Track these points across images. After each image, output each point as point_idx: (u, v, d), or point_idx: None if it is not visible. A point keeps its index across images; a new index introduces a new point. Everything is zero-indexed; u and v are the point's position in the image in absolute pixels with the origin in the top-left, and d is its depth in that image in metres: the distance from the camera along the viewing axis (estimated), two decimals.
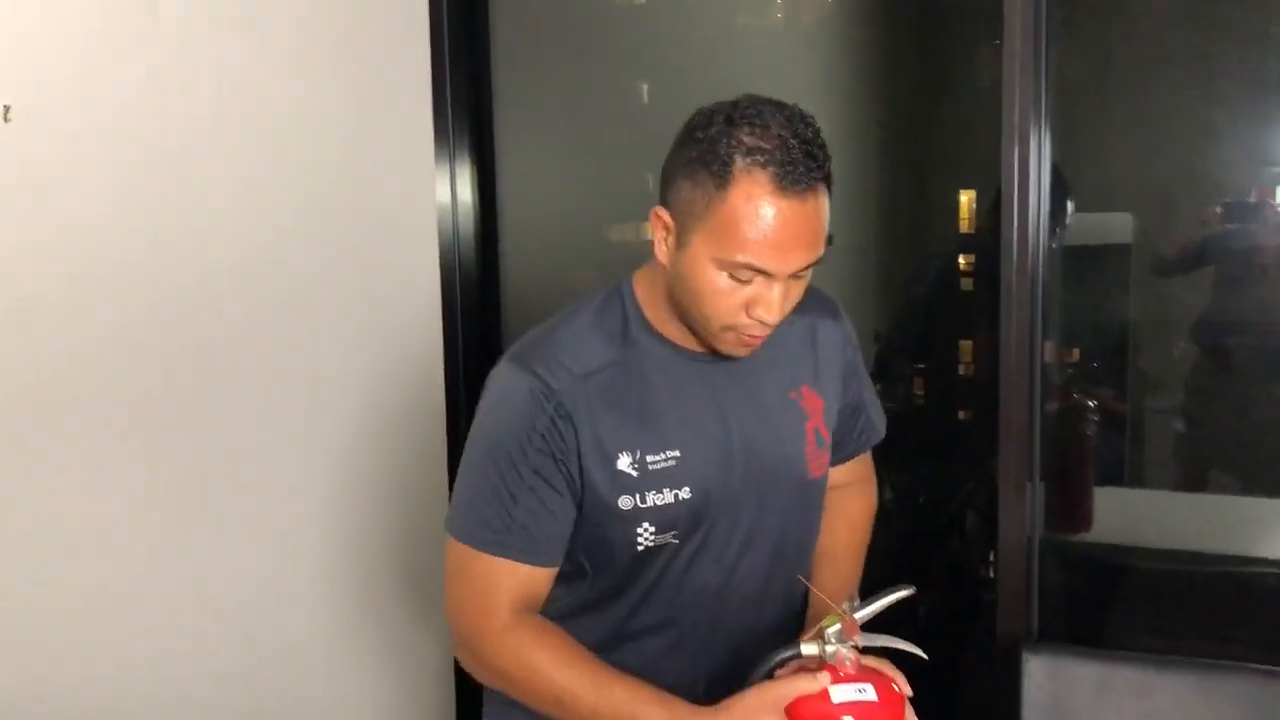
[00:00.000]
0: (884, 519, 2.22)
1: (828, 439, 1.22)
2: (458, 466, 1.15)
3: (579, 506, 1.11)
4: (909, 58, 2.20)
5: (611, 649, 1.13)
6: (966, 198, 2.02)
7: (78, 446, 1.56)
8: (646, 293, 1.14)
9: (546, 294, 2.12)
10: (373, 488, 1.98)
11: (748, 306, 1.04)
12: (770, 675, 1.06)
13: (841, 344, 1.25)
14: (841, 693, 1.00)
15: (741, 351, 1.10)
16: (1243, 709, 1.36)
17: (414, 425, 2.05)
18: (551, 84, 2.20)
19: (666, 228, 1.06)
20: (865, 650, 1.05)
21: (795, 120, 1.02)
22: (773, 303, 1.03)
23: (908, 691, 1.07)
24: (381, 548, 2.00)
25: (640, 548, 1.11)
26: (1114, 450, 1.98)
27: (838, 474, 1.29)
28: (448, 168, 2.07)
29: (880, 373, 2.18)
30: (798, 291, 1.07)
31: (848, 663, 1.01)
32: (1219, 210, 1.91)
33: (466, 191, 2.11)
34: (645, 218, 1.10)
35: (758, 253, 1.00)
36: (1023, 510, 1.66)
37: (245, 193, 1.75)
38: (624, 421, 1.09)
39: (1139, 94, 1.93)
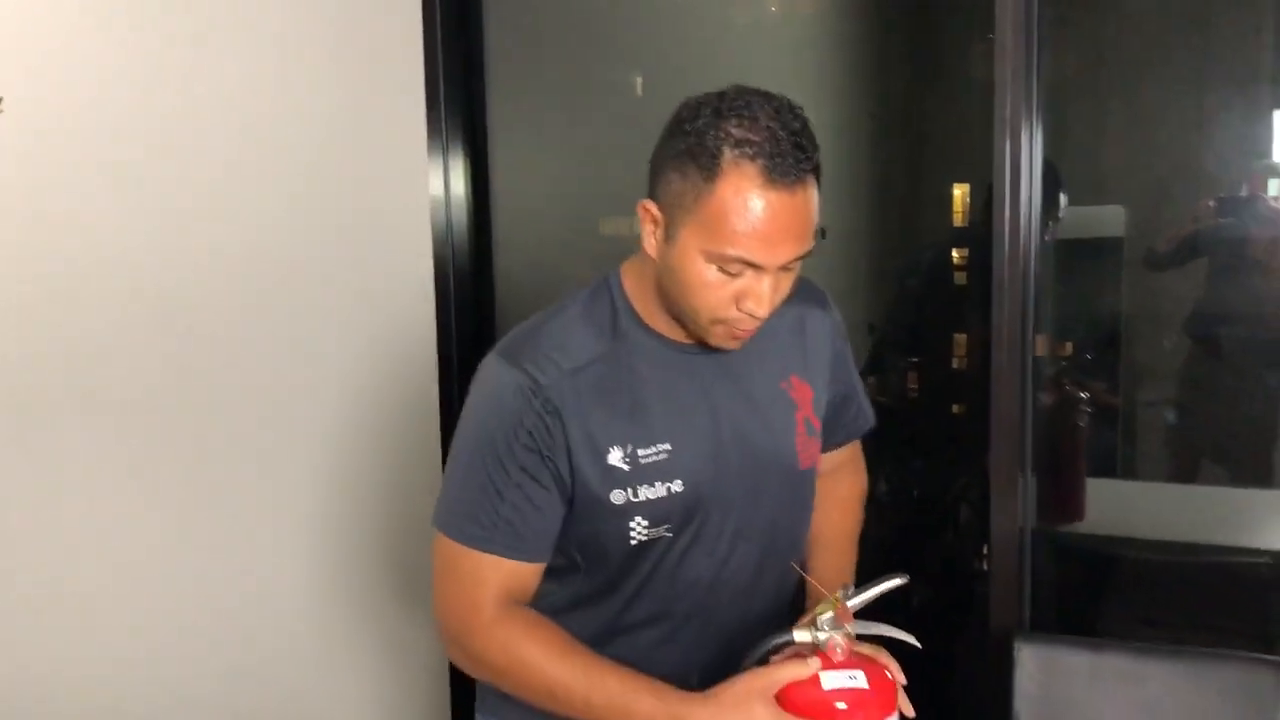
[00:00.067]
0: (878, 512, 2.23)
1: (818, 428, 1.22)
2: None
3: (570, 502, 1.10)
4: (903, 52, 2.20)
5: (605, 642, 1.13)
6: (960, 192, 2.03)
7: (71, 445, 1.55)
8: (635, 285, 1.13)
9: (539, 287, 2.12)
10: (366, 482, 1.98)
11: (737, 299, 1.03)
12: (763, 662, 1.07)
13: (830, 334, 1.25)
14: (832, 679, 1.00)
15: (731, 344, 1.09)
16: (1233, 697, 1.37)
17: (408, 419, 2.04)
18: (545, 77, 2.20)
19: (655, 220, 1.05)
20: (862, 638, 1.05)
21: (783, 111, 1.01)
22: (762, 295, 1.03)
23: (901, 679, 1.08)
24: (376, 542, 2.00)
25: (634, 542, 1.11)
26: (1106, 442, 1.99)
27: (827, 460, 1.29)
28: (441, 160, 2.07)
29: (874, 366, 2.18)
30: (787, 283, 1.06)
31: (839, 649, 1.01)
32: (1211, 204, 1.92)
33: (460, 184, 2.11)
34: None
35: (747, 245, 1.00)
36: (1014, 502, 1.66)
37: (238, 186, 1.74)
38: (614, 415, 1.09)
39: (1131, 88, 1.93)
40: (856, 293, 2.26)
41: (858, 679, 1.00)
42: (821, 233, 2.12)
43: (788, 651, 1.06)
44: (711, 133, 0.99)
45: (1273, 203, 1.90)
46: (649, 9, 2.21)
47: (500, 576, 1.09)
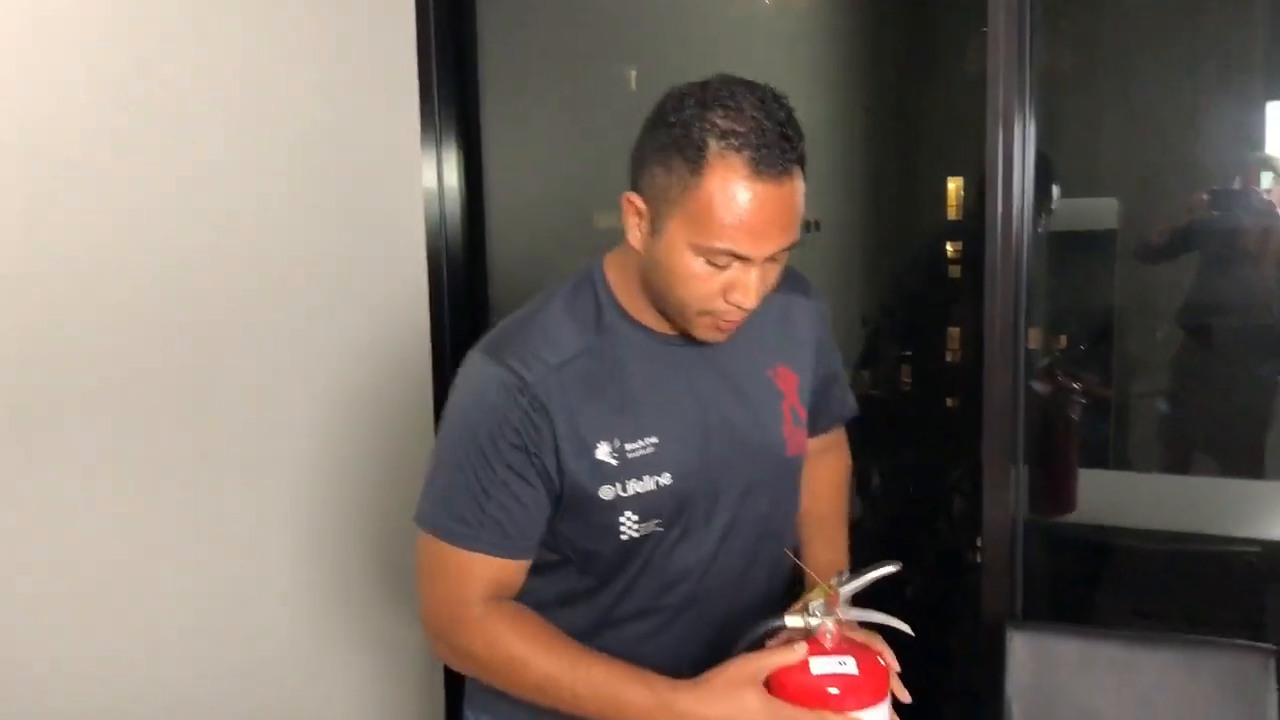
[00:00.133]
0: (872, 505, 2.25)
1: (804, 416, 1.22)
2: None
3: (557, 499, 1.10)
4: (897, 45, 2.20)
5: (594, 635, 1.12)
6: (954, 185, 2.03)
7: (69, 444, 1.54)
8: (618, 277, 1.12)
9: (533, 280, 2.10)
10: (360, 476, 1.98)
11: (725, 291, 1.03)
12: (755, 648, 1.07)
13: (814, 321, 1.25)
14: (822, 664, 1.00)
15: (717, 336, 1.09)
16: (1223, 684, 1.38)
17: (402, 414, 2.04)
18: (538, 69, 2.20)
19: (639, 213, 1.04)
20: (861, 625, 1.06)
21: (768, 101, 1.00)
22: (750, 287, 1.02)
23: (894, 666, 1.08)
24: (373, 538, 2.00)
25: (624, 537, 1.10)
26: (1098, 434, 2.00)
27: (811, 444, 1.29)
28: (434, 153, 2.07)
29: (868, 359, 2.19)
30: (774, 274, 1.06)
31: (829, 635, 1.02)
32: (1205, 197, 1.93)
33: (453, 177, 2.11)
34: None
35: (735, 238, 0.99)
36: (1007, 493, 1.67)
37: (231, 179, 1.74)
38: (601, 410, 1.08)
39: (1124, 80, 1.94)
40: (850, 286, 2.27)
41: (848, 664, 1.01)
42: (815, 225, 2.14)
43: (780, 637, 1.06)
44: (697, 124, 0.98)
45: (1265, 195, 1.90)
46: (643, 2, 2.21)
47: (487, 574, 1.09)
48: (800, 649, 1.01)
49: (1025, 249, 1.65)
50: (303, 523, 1.90)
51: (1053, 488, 1.88)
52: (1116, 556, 1.97)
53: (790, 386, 1.20)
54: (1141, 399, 2.03)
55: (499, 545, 1.09)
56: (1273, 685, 1.36)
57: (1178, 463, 2.06)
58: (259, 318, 1.79)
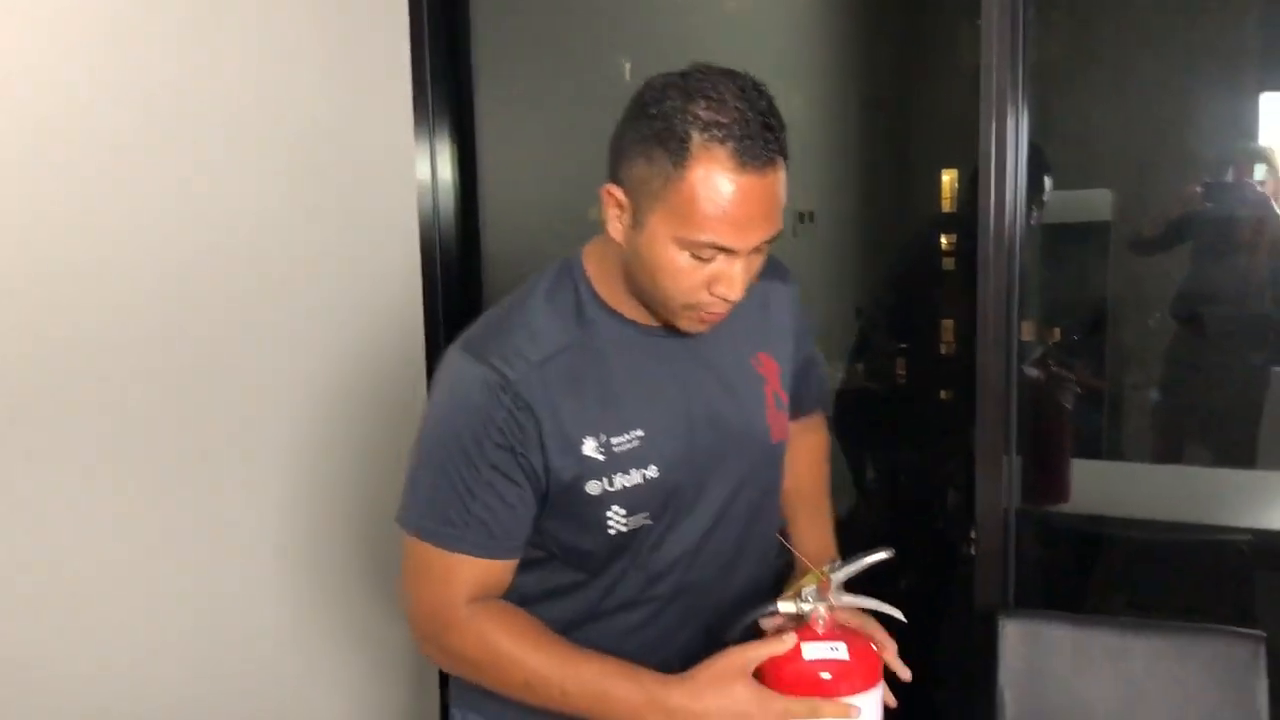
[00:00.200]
0: (867, 497, 2.25)
1: (785, 402, 1.22)
2: None
3: (544, 497, 1.09)
4: (892, 37, 2.20)
5: (582, 628, 1.12)
6: (949, 177, 2.03)
7: (68, 444, 1.54)
8: (598, 269, 1.10)
9: (527, 273, 2.11)
10: (353, 472, 1.97)
11: (709, 284, 1.02)
12: (747, 634, 1.07)
13: (791, 307, 1.24)
14: (813, 650, 1.00)
15: (701, 328, 1.08)
16: (1214, 670, 1.38)
17: (395, 410, 2.03)
18: (532, 61, 2.19)
19: (620, 206, 1.03)
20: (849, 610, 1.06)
21: (749, 91, 0.98)
22: (735, 279, 1.01)
23: (891, 646, 1.08)
24: (370, 535, 1.99)
25: (612, 531, 1.10)
26: (1092, 424, 2.01)
27: (791, 425, 1.28)
28: (428, 145, 2.07)
29: (862, 351, 2.19)
30: (757, 264, 1.05)
31: (821, 621, 1.02)
32: (1199, 189, 1.93)
33: (447, 169, 2.10)
34: None
35: (719, 230, 0.97)
36: (1000, 483, 1.67)
37: (223, 173, 1.73)
38: (585, 404, 1.07)
39: (1118, 71, 1.94)
40: (845, 278, 2.27)
41: (839, 650, 1.01)
42: (810, 217, 2.14)
43: (773, 621, 1.07)
44: (679, 116, 0.97)
45: (1259, 187, 1.91)
46: None
47: (473, 575, 1.08)
48: (789, 639, 1.01)
49: (1018, 240, 1.66)
50: (301, 521, 1.90)
51: (1046, 478, 1.88)
52: (1109, 546, 1.97)
53: (772, 372, 1.20)
54: (1135, 389, 2.03)
55: (485, 546, 1.08)
56: (1263, 671, 1.37)
57: (1170, 453, 2.07)
58: (256, 316, 1.79)
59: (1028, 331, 1.83)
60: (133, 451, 1.63)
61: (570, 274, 1.12)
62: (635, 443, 1.08)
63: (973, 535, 1.70)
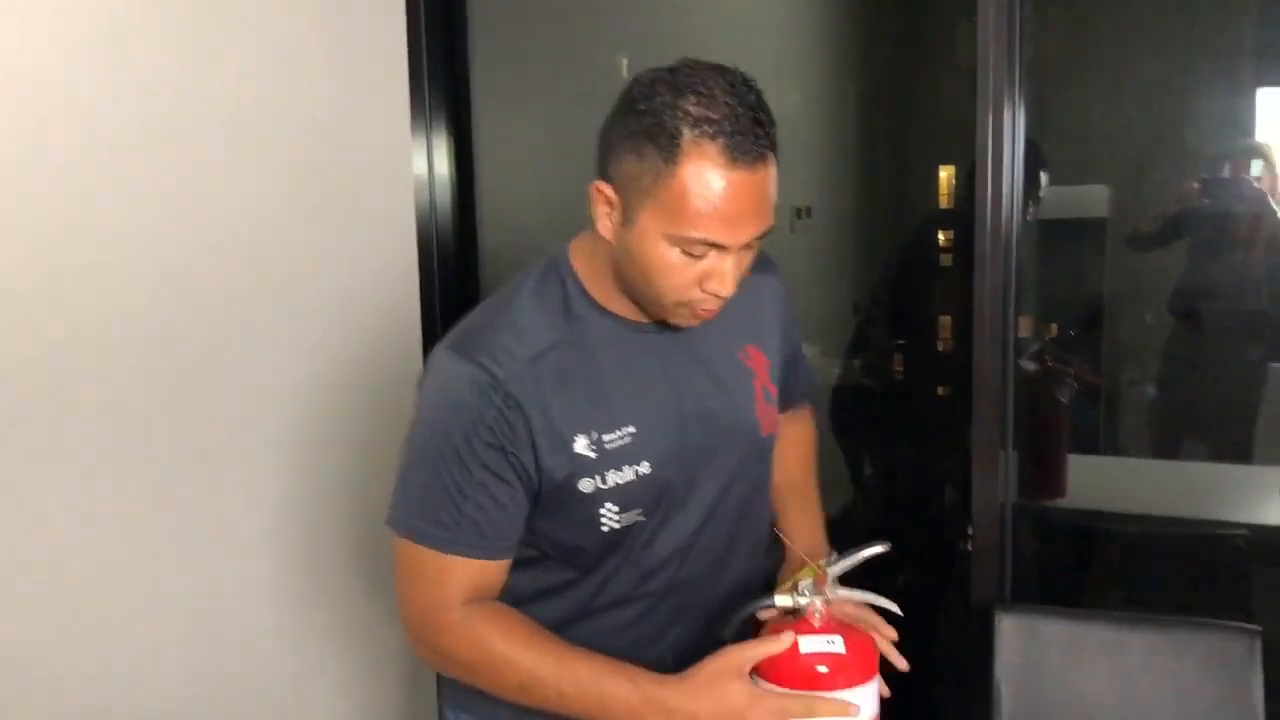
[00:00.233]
0: (865, 493, 2.25)
1: (774, 395, 1.22)
2: None
3: (536, 495, 1.08)
4: (889, 33, 2.21)
5: (575, 624, 1.12)
6: (946, 174, 2.04)
7: (61, 441, 1.54)
8: (585, 265, 1.09)
9: (524, 267, 2.12)
10: (352, 471, 1.97)
11: (701, 280, 1.01)
12: (743, 628, 1.08)
13: (778, 299, 1.24)
14: (810, 643, 1.01)
15: (693, 323, 1.08)
16: (1210, 664, 1.39)
17: (394, 408, 2.02)
18: (529, 56, 2.19)
19: (609, 202, 1.01)
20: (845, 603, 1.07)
21: (739, 86, 0.98)
22: (727, 275, 1.01)
23: (891, 635, 1.08)
24: (370, 534, 1.99)
25: (605, 529, 1.09)
26: (1088, 419, 2.01)
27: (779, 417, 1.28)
28: (424, 140, 2.06)
29: (859, 347, 2.19)
30: (748, 260, 1.05)
31: (818, 615, 1.02)
32: (1195, 185, 1.93)
33: (443, 164, 2.10)
34: None
35: (711, 227, 0.97)
36: (996, 478, 1.67)
37: (219, 169, 1.73)
38: (576, 402, 1.06)
39: (1114, 67, 1.94)
40: (842, 274, 2.27)
41: (835, 644, 1.01)
42: (807, 212, 2.14)
43: (768, 618, 1.07)
44: (669, 112, 0.96)
45: (1255, 183, 1.91)
46: None
47: (466, 576, 1.07)
48: (786, 638, 1.01)
49: (1015, 236, 1.66)
50: (301, 522, 1.90)
51: (1043, 473, 1.89)
52: (1106, 541, 1.98)
53: (761, 366, 1.20)
54: (1131, 385, 2.04)
55: (477, 547, 1.07)
56: (1258, 666, 1.37)
57: (1167, 448, 2.07)
58: (255, 316, 1.79)
59: (1025, 327, 1.84)
60: (133, 451, 1.62)
61: (557, 271, 1.11)
62: (627, 439, 1.08)
63: (969, 530, 1.70)
